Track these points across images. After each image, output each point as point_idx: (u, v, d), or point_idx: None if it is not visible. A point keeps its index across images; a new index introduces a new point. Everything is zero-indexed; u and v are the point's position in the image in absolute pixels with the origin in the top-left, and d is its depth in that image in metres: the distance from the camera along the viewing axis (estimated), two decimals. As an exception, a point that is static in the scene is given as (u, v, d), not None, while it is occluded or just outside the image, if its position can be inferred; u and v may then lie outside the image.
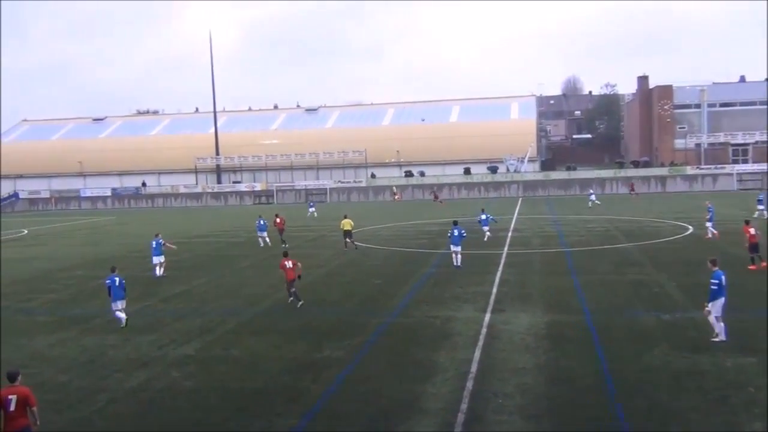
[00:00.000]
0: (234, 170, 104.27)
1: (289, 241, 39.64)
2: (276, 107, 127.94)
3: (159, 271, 28.53)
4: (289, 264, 21.59)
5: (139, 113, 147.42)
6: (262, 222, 39.60)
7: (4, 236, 52.92)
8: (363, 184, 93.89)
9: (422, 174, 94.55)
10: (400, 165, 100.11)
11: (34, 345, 17.89)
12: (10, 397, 9.94)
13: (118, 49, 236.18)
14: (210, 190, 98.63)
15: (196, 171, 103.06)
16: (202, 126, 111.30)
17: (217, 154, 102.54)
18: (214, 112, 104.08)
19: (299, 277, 21.73)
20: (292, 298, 21.45)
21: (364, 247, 36.26)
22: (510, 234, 39.72)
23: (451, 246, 27.61)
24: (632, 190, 76.17)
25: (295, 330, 18.34)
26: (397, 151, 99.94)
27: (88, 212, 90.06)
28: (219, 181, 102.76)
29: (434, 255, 31.88)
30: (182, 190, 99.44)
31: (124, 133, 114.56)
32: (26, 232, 57.28)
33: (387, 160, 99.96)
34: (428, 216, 53.72)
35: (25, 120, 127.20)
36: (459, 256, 27.39)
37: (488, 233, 36.97)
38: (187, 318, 20.32)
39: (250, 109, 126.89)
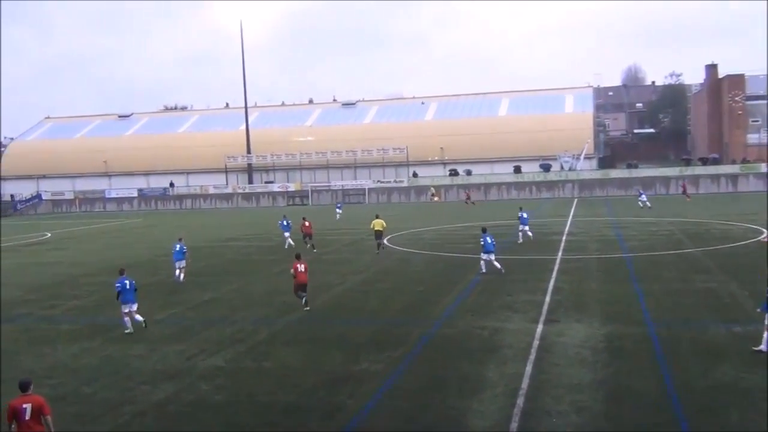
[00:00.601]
0: (266, 169, 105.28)
1: (324, 245, 39.87)
2: (311, 102, 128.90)
3: (181, 276, 29.21)
4: (301, 267, 22.62)
5: (167, 109, 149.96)
6: (285, 222, 40.68)
7: (27, 240, 54.27)
8: (404, 184, 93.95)
9: (468, 173, 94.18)
10: (444, 163, 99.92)
11: (56, 354, 18.31)
12: (24, 405, 10.38)
13: (145, 43, 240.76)
14: (241, 191, 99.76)
15: (226, 170, 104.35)
16: (232, 122, 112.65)
17: (249, 152, 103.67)
18: (245, 107, 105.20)
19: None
20: (304, 300, 22.31)
21: (405, 252, 36.31)
22: (564, 238, 39.36)
23: (483, 254, 27.71)
24: (684, 191, 71.39)
25: (331, 340, 18.44)
26: (441, 148, 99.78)
27: (114, 214, 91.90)
28: (250, 181, 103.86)
29: (481, 261, 31.69)
30: (212, 190, 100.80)
31: (151, 131, 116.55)
32: (49, 235, 58.65)
33: (430, 158, 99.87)
34: (475, 218, 53.50)
35: (48, 117, 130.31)
36: (495, 263, 27.39)
37: (529, 232, 38.13)
38: (216, 327, 20.58)
39: (283, 104, 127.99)
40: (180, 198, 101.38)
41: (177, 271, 29.36)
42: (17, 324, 22.37)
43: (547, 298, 22.46)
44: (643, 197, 60.20)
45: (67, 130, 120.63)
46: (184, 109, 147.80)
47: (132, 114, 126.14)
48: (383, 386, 14.58)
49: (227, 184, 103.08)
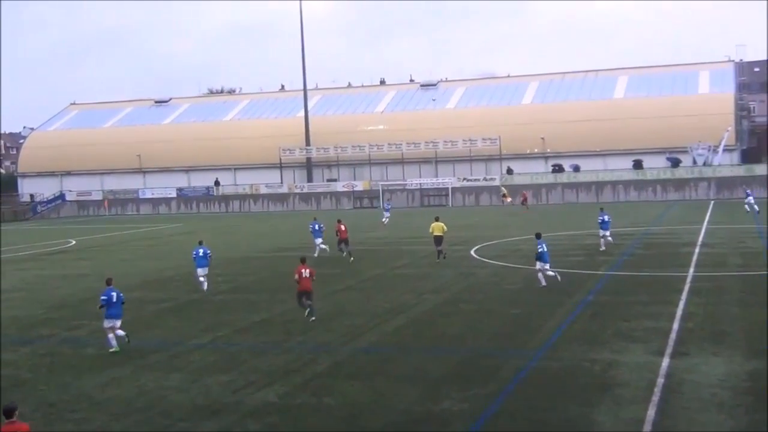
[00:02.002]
0: (329, 165, 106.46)
1: (396, 256, 40.04)
2: (383, 83, 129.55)
3: (205, 285, 31.45)
4: (306, 272, 24.71)
5: (211, 93, 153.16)
6: (317, 226, 42.66)
7: (49, 248, 56.15)
8: (496, 183, 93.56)
9: (575, 169, 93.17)
10: (545, 157, 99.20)
11: (81, 384, 18.81)
12: None
13: (186, 17, 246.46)
14: (299, 191, 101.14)
15: (281, 166, 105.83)
16: (288, 108, 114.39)
17: (308, 144, 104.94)
18: (305, 90, 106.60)
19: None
20: (308, 310, 24.45)
21: (497, 266, 36.13)
22: (697, 250, 38.58)
23: (538, 263, 29.34)
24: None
25: (405, 373, 18.45)
26: (542, 139, 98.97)
27: (149, 218, 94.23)
28: (310, 179, 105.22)
29: (593, 277, 31.38)
30: (264, 190, 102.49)
31: (193, 119, 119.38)
32: (74, 242, 60.54)
33: (528, 151, 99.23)
34: (587, 225, 52.87)
35: (74, 104, 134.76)
36: (550, 275, 29.20)
37: (610, 238, 40.17)
38: (268, 354, 20.84)
39: (349, 87, 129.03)
40: (226, 199, 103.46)
41: (201, 279, 31.58)
42: (36, 346, 23.12)
43: (675, 325, 22.02)
44: (751, 199, 59.05)
45: (95, 119, 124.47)
46: (231, 92, 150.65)
47: (170, 99, 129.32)
48: (469, 430, 14.50)
49: (282, 182, 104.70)
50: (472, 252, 41.65)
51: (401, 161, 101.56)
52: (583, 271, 33.19)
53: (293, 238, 55.24)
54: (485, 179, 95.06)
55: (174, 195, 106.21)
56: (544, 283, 28.92)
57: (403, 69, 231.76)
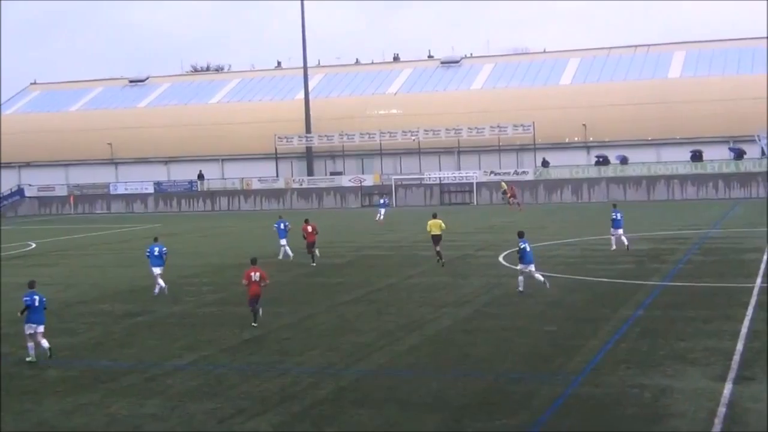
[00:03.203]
0: (333, 155, 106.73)
1: (415, 264, 40.08)
2: (397, 59, 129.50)
3: (158, 286, 33.51)
4: (255, 276, 26.63)
5: (195, 71, 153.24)
6: (282, 225, 44.54)
7: (4, 252, 56.22)
8: (529, 177, 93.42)
9: (623, 161, 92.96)
10: (587, 146, 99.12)
11: (42, 411, 18.82)
12: None
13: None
14: (297, 186, 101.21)
15: (276, 156, 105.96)
16: (286, 89, 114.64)
17: (308, 131, 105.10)
18: (305, 67, 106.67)
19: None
20: (255, 316, 26.61)
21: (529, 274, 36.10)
22: (765, 257, 38.41)
23: (520, 265, 31.32)
24: None
25: (422, 401, 18.45)
26: (583, 125, 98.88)
27: (122, 217, 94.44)
28: (310, 173, 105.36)
29: (643, 288, 31.38)
30: (256, 185, 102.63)
31: (174, 101, 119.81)
32: (34, 246, 60.65)
33: (567, 140, 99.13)
34: (636, 226, 52.77)
35: (34, 83, 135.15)
36: (538, 275, 31.03)
37: (625, 240, 42.57)
38: (261, 377, 20.87)
39: (357, 64, 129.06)
40: (212, 195, 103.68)
41: (158, 280, 33.63)
42: (-10, 368, 23.15)
43: (739, 346, 21.97)
44: None
45: (60, 101, 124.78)
46: (219, 70, 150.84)
47: (148, 78, 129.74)
48: (496, 468, 14.55)
49: (278, 176, 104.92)
50: (501, 258, 41.64)
51: (417, 151, 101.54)
52: (632, 281, 33.13)
53: (291, 241, 55.12)
54: (516, 173, 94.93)
55: (151, 190, 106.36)
56: (521, 287, 30.83)
57: (421, 43, 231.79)
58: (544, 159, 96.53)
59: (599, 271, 36.32)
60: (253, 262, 27.74)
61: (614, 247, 42.82)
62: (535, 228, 56.97)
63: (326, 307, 30.35)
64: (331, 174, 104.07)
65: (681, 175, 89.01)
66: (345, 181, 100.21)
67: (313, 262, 41.62)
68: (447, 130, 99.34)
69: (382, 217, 69.22)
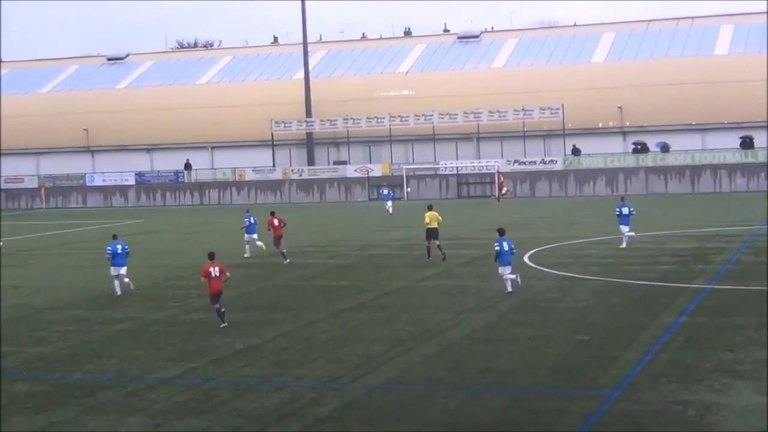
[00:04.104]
0: (336, 142, 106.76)
1: (429, 264, 40.03)
2: (408, 33, 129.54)
3: (119, 289, 34.05)
4: (215, 271, 27.64)
5: (182, 48, 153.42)
6: (251, 219, 46.27)
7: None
8: (557, 167, 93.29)
9: (664, 148, 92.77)
10: (623, 132, 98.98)
11: (10, 430, 18.86)
12: None
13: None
14: (296, 176, 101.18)
15: (272, 144, 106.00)
16: (284, 68, 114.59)
17: (309, 115, 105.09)
18: (305, 43, 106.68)
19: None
20: (220, 316, 27.57)
21: (559, 276, 36.06)
22: (825, 256, 38.36)
23: (499, 267, 32.02)
24: None
25: (437, 418, 18.44)
26: (619, 108, 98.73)
27: (99, 212, 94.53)
28: (311, 162, 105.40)
29: (687, 292, 31.29)
30: (250, 175, 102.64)
31: (157, 81, 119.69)
32: (1, 244, 60.73)
33: (601, 124, 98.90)
34: (679, 222, 52.81)
35: (3, 61, 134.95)
36: (511, 280, 31.79)
37: (631, 233, 43.92)
38: (255, 392, 20.87)
39: (364, 38, 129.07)
40: (200, 187, 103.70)
41: (117, 283, 33.95)
42: (-48, 381, 23.21)
43: (796, 357, 21.92)
44: None
45: (29, 82, 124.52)
46: (208, 47, 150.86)
47: (127, 55, 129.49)
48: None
49: (274, 165, 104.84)
50: (526, 258, 41.53)
51: (432, 138, 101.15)
52: (674, 284, 33.04)
53: (290, 239, 55.17)
54: (544, 162, 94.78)
55: (132, 182, 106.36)
56: (509, 288, 31.74)
57: (435, 15, 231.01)
58: (574, 146, 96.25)
59: (637, 273, 36.21)
60: (211, 257, 28.46)
61: (624, 246, 43.68)
62: (563, 224, 57.01)
63: (329, 313, 30.31)
64: (335, 163, 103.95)
65: (729, 164, 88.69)
66: (350, 171, 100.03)
67: (286, 259, 43.25)
68: (465, 113, 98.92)
69: (390, 209, 70.54)
